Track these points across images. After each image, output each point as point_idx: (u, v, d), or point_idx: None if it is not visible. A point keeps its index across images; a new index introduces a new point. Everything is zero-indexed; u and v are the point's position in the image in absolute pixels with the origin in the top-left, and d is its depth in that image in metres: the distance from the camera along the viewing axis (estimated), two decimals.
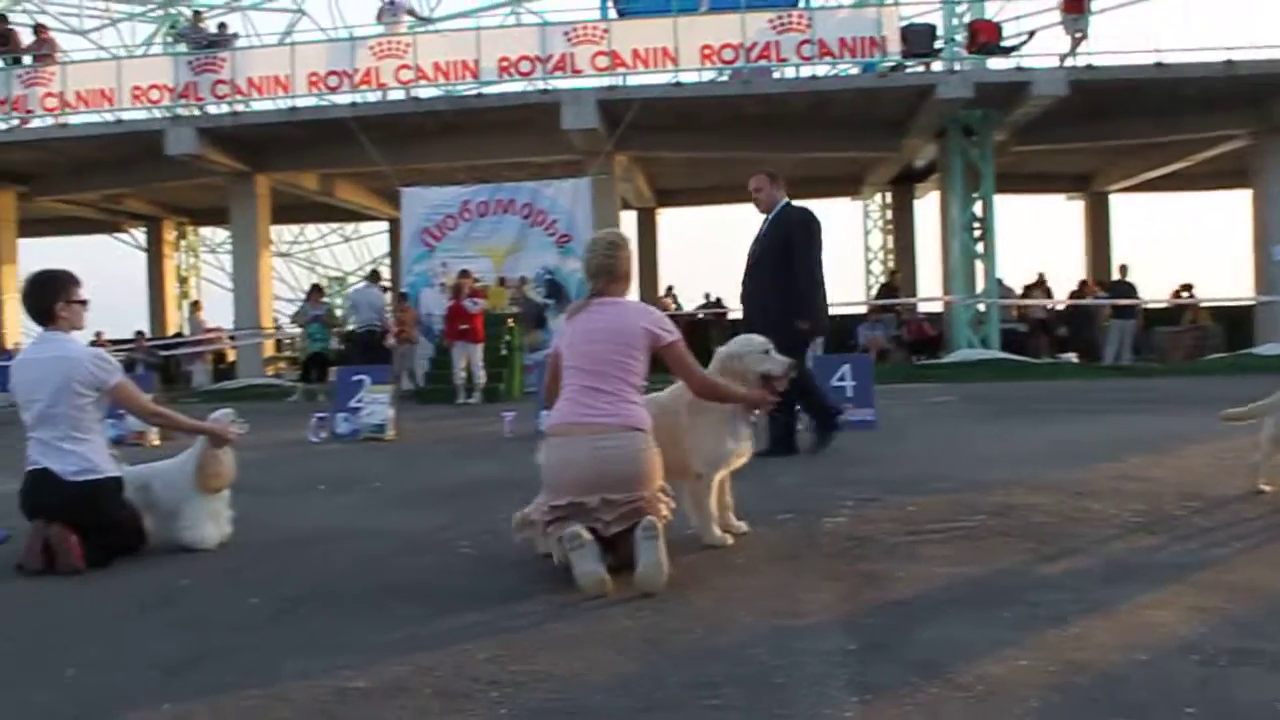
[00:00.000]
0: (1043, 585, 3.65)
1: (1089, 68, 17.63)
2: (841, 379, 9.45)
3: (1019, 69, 17.82)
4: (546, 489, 4.02)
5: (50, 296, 4.72)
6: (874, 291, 26.35)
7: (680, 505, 4.31)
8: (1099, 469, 6.30)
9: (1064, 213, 28.12)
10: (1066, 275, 24.45)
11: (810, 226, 7.36)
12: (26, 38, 21.46)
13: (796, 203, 7.61)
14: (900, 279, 25.34)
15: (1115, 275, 20.77)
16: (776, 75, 18.44)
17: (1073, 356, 19.75)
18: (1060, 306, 21.64)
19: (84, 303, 4.82)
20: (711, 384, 4.35)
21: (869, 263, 28.77)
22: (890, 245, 27.53)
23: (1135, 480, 5.81)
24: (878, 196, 27.78)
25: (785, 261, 7.21)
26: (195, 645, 3.27)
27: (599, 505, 3.85)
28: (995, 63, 18.24)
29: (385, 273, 26.49)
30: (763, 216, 7.54)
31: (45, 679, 2.99)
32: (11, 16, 21.87)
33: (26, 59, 20.78)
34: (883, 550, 4.28)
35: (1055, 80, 17.14)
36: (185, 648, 3.24)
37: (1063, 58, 17.98)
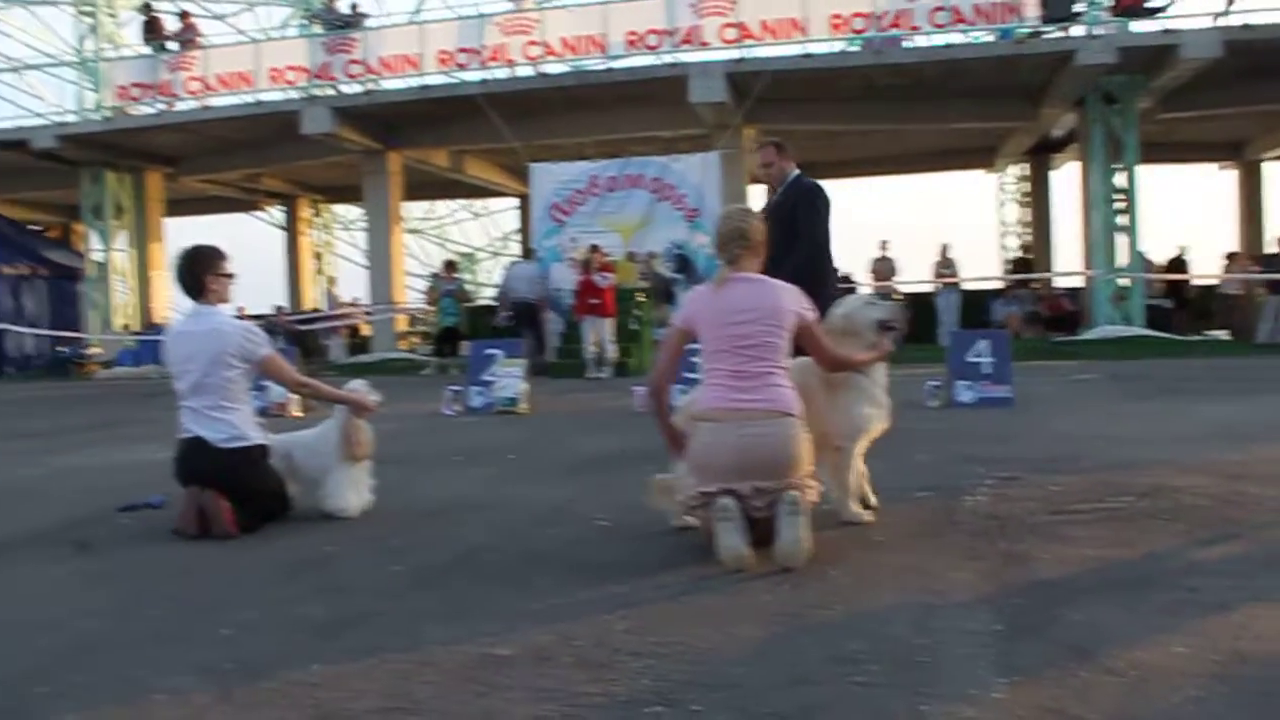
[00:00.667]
0: (1199, 570, 3.50)
1: (1245, 27, 16.67)
2: (978, 355, 9.21)
3: (1166, 31, 16.94)
4: (695, 473, 3.96)
5: (200, 270, 4.91)
6: (1008, 266, 25.64)
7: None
8: (1255, 451, 6.02)
9: (1214, 183, 26.87)
10: (1215, 249, 23.32)
11: (817, 197, 7.09)
12: (172, 25, 22.29)
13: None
14: (1034, 253, 24.58)
15: (1271, 248, 19.75)
16: (908, 44, 17.98)
17: (1223, 334, 18.90)
18: (1209, 281, 20.73)
19: (231, 276, 5.01)
20: (841, 357, 4.27)
21: (1003, 237, 27.96)
22: (1026, 218, 26.70)
23: None
24: (1013, 168, 26.94)
25: (794, 234, 6.99)
26: (342, 609, 3.36)
27: (751, 493, 3.80)
28: (1140, 25, 17.41)
29: (515, 248, 26.80)
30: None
31: (204, 637, 3.11)
32: (156, 4, 22.69)
33: (172, 45, 21.59)
34: (1026, 530, 4.17)
35: (1207, 41, 16.25)
36: (333, 611, 3.34)
37: (1215, 17, 17.05)
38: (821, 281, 6.84)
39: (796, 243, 6.90)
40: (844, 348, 4.35)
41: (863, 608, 3.20)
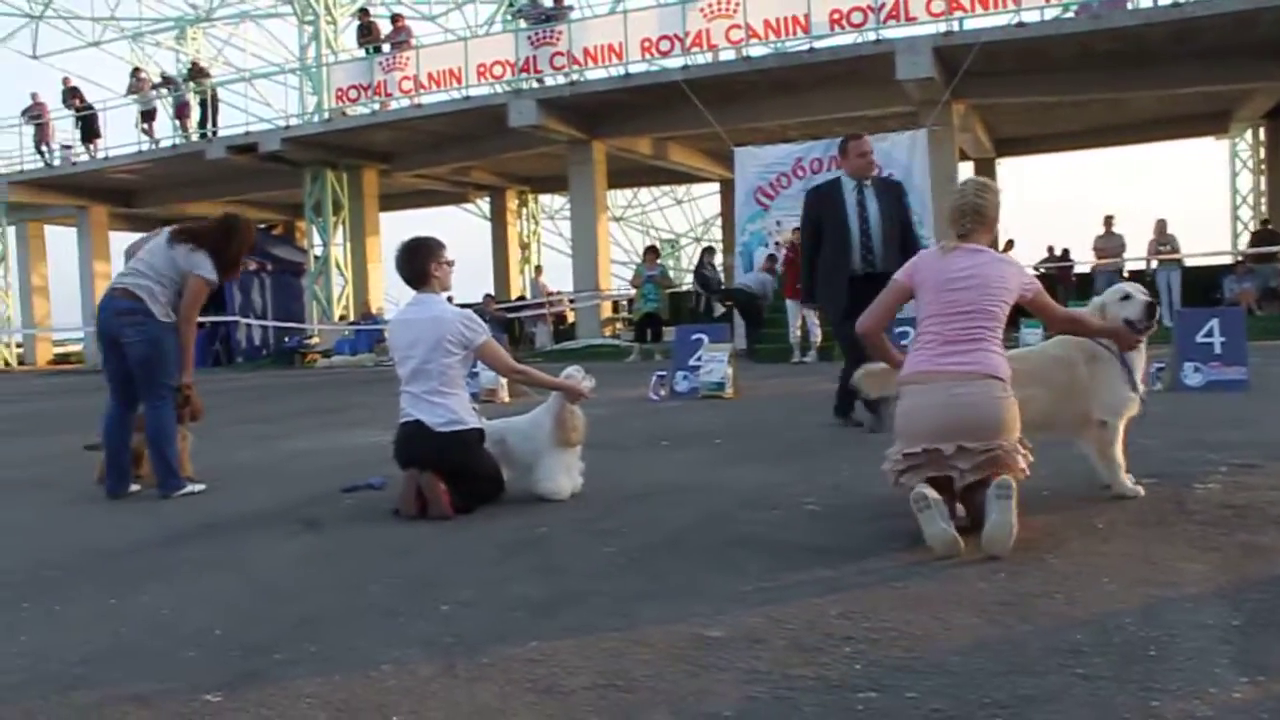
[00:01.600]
0: None
1: None
2: (1209, 335, 8.67)
3: None
4: (901, 437, 3.95)
5: (424, 259, 5.14)
6: (1243, 240, 23.98)
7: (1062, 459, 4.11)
8: None
9: None
10: None
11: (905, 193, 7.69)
12: (385, 28, 23.32)
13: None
14: (1276, 225, 22.94)
15: None
16: (1131, 6, 17.01)
17: None
18: None
19: (451, 263, 5.24)
20: (1070, 316, 4.29)
21: (1236, 208, 26.18)
22: (1263, 187, 24.90)
23: None
24: (1249, 133, 25.16)
25: (901, 232, 7.32)
26: (556, 589, 3.46)
27: (955, 453, 3.75)
28: None
29: (716, 233, 26.86)
30: (853, 180, 7.35)
31: (424, 612, 3.26)
32: (371, 9, 23.79)
33: (385, 47, 22.60)
34: (1267, 520, 3.90)
35: None
36: (547, 590, 3.44)
37: None
38: None
39: (910, 246, 7.10)
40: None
41: (1086, 597, 3.07)
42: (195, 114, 24.54)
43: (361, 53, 23.16)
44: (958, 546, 3.54)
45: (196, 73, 25.17)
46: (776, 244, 17.80)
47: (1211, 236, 27.62)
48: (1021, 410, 4.08)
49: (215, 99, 24.69)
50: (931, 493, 3.64)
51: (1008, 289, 3.96)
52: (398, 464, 5.00)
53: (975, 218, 4.08)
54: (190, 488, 5.75)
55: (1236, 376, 8.46)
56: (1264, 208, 24.44)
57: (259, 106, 26.73)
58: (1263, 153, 24.74)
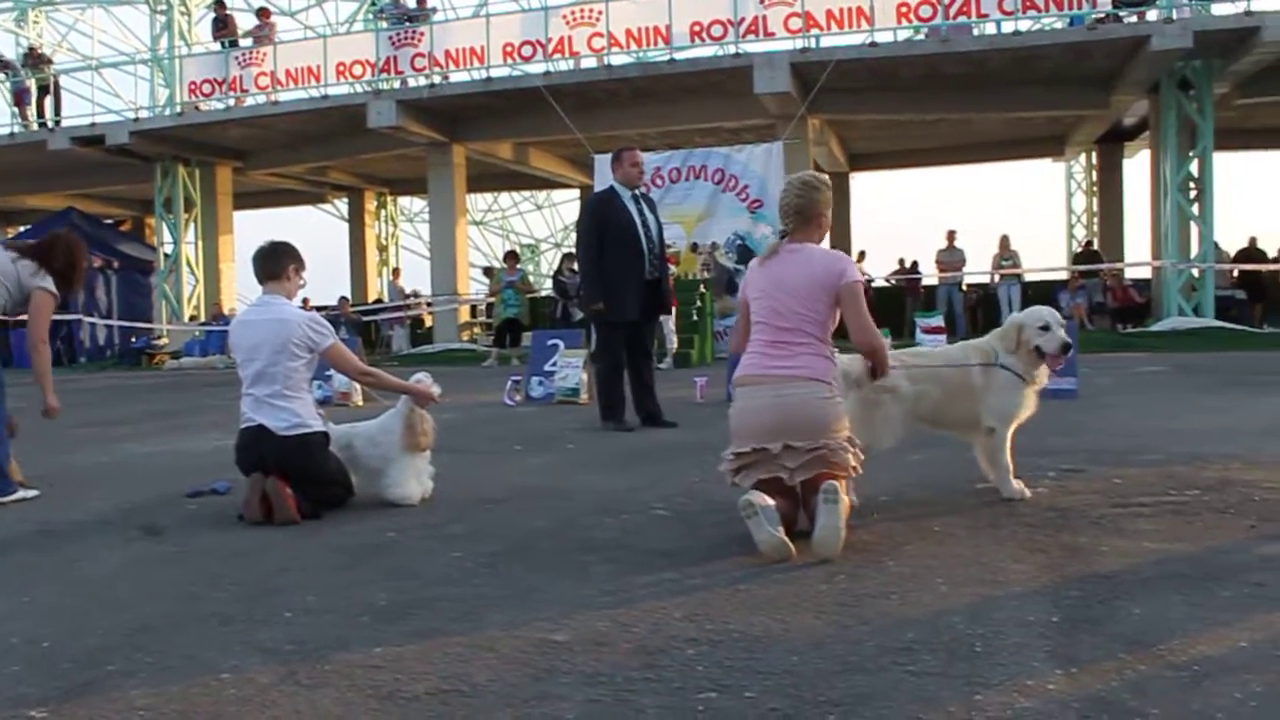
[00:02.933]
0: (1266, 566, 3.43)
1: None
2: None
3: (1247, 13, 16.42)
4: (733, 437, 4.05)
5: (285, 262, 5.10)
6: (1074, 257, 25.21)
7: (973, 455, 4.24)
8: None
9: None
10: None
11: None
12: (242, 21, 22.69)
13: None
14: (1104, 243, 24.17)
15: None
16: (977, 32, 17.73)
17: None
18: None
19: (304, 281, 5.23)
20: (871, 339, 4.13)
21: (1071, 227, 27.50)
22: (1095, 208, 26.23)
23: None
24: (1083, 157, 26.47)
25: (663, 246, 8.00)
26: (403, 594, 3.42)
27: (781, 451, 3.85)
28: (1219, 8, 16.95)
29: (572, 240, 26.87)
30: (627, 191, 7.76)
31: (266, 619, 3.19)
32: (228, 1, 23.11)
33: (243, 41, 21.97)
34: (1088, 522, 4.12)
35: None
36: (393, 596, 3.40)
37: None
38: None
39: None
40: (999, 343, 4.59)
41: (919, 598, 3.19)
42: (36, 101, 23.39)
43: (216, 46, 22.46)
44: (786, 550, 3.61)
45: (35, 59, 23.99)
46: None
47: (1050, 254, 28.87)
48: (914, 406, 4.23)
49: (58, 87, 23.58)
50: (759, 499, 3.70)
51: (824, 289, 4.02)
52: (240, 470, 4.88)
53: (798, 217, 4.17)
54: (21, 493, 5.50)
55: (1068, 386, 8.87)
56: (1096, 227, 25.75)
57: (106, 97, 25.62)
58: (1095, 175, 26.09)
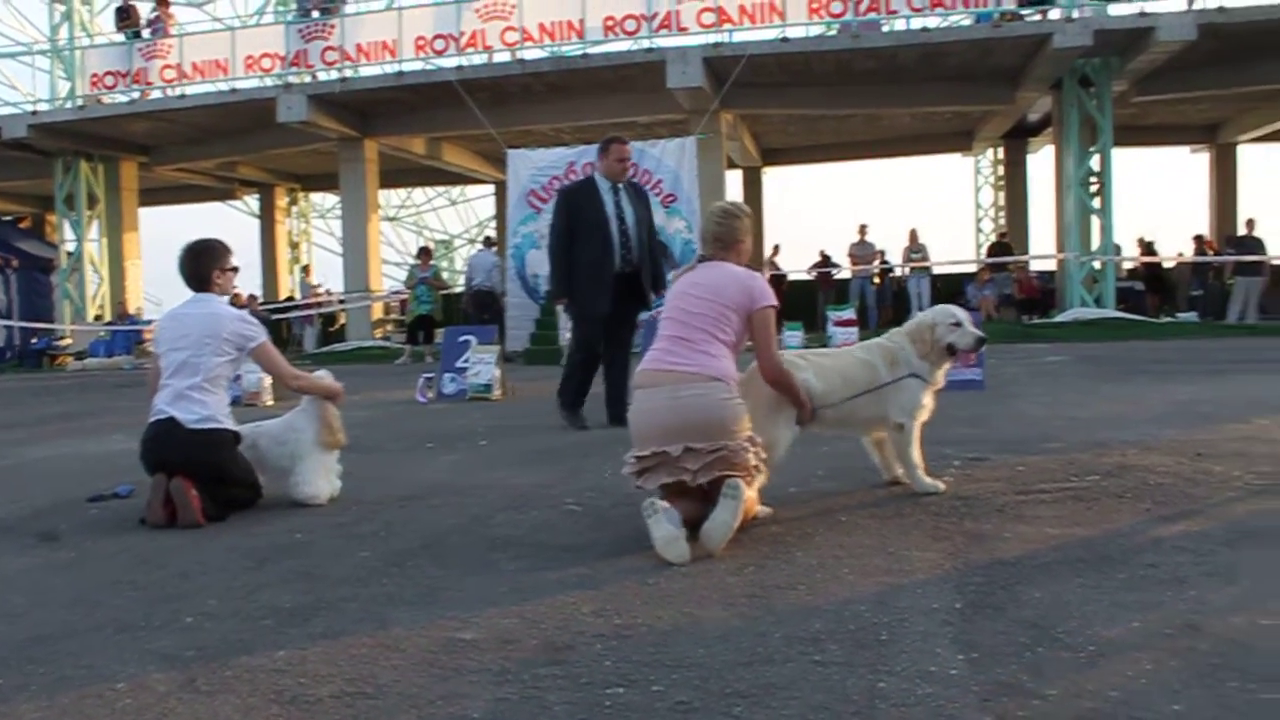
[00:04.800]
0: (1159, 548, 3.54)
1: (1220, 9, 16.71)
2: None
3: (1142, 14, 16.96)
4: (633, 440, 4.05)
5: (208, 264, 4.98)
6: (984, 250, 25.75)
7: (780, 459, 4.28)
8: (1222, 430, 6.08)
9: (1188, 165, 27.02)
10: (1187, 232, 23.44)
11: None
12: (146, 12, 22.08)
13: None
14: (1010, 236, 24.74)
15: (1241, 230, 19.91)
16: (886, 28, 17.99)
17: (1193, 315, 19.05)
18: (1176, 264, 20.92)
19: (236, 270, 5.12)
20: (777, 371, 4.19)
21: (979, 220, 28.09)
22: (1001, 202, 26.82)
23: (1261, 442, 5.59)
24: (989, 152, 27.04)
25: (650, 235, 7.61)
26: (308, 596, 3.37)
27: (682, 454, 3.85)
28: (1117, 8, 17.41)
29: (492, 235, 26.73)
30: (607, 183, 7.56)
31: (166, 625, 3.11)
32: None
33: (146, 33, 21.41)
34: (991, 510, 4.21)
35: (1182, 25, 16.32)
36: (299, 598, 3.35)
37: (1191, 0, 17.14)
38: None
39: (654, 238, 7.66)
40: (907, 343, 4.61)
41: (826, 588, 3.22)
42: None
43: (120, 37, 21.83)
44: (682, 549, 3.59)
45: None
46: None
47: (958, 247, 29.49)
48: (823, 406, 4.27)
49: None
50: (658, 502, 3.71)
51: (735, 298, 4.07)
52: (144, 467, 4.75)
53: (717, 244, 4.26)
54: None
55: (974, 377, 9.04)
56: (1002, 221, 26.32)
57: (3, 89, 24.87)
58: (1001, 170, 26.67)
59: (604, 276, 7.31)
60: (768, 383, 4.22)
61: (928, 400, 4.60)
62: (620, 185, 7.50)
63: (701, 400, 3.88)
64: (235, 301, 18.23)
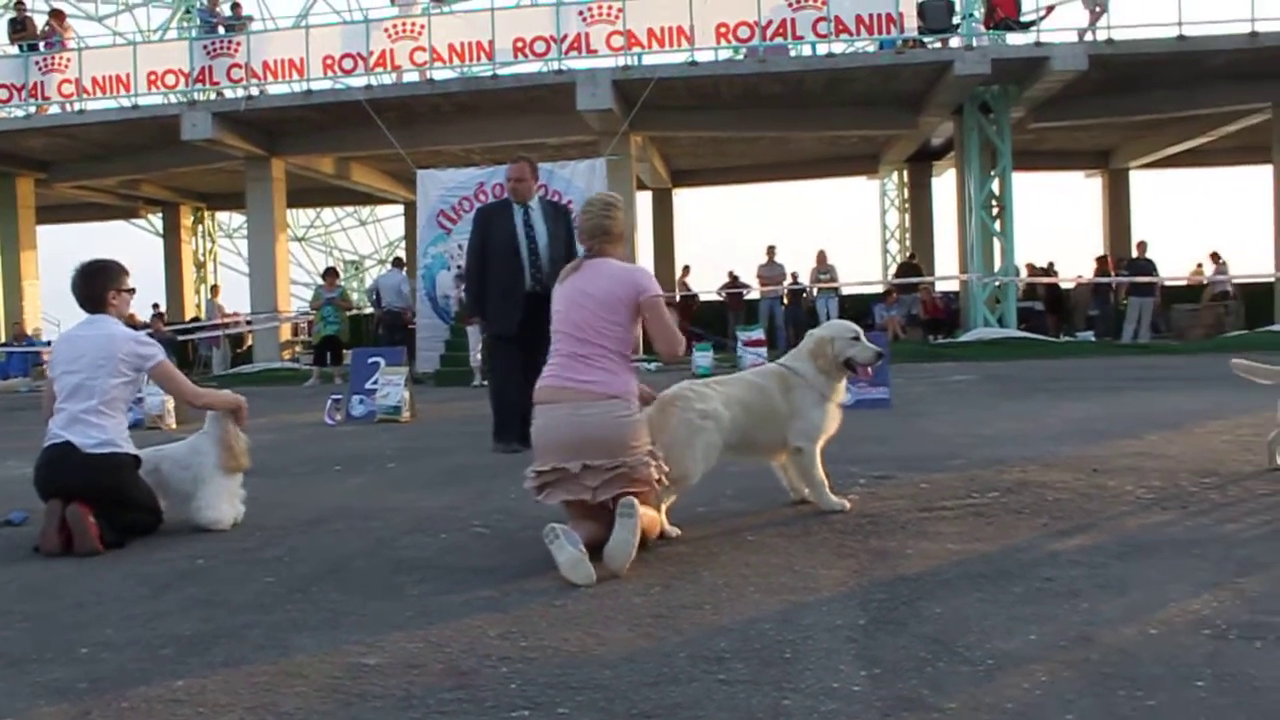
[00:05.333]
0: (1055, 561, 3.64)
1: (1109, 42, 17.40)
2: None
3: (1038, 44, 17.60)
4: (535, 454, 4.06)
5: (102, 285, 4.85)
6: (891, 271, 26.26)
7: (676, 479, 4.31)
8: (1116, 446, 6.27)
9: (1082, 190, 27.93)
10: (1084, 253, 24.25)
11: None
12: (41, 24, 21.49)
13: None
14: (915, 258, 25.29)
15: (1134, 252, 20.61)
16: (793, 53, 18.30)
17: (1090, 335, 19.64)
18: (1076, 285, 21.56)
19: (132, 291, 4.99)
20: (674, 345, 4.19)
21: (885, 241, 28.64)
22: (907, 224, 27.39)
23: (1152, 457, 5.79)
24: (895, 175, 27.62)
25: (568, 254, 7.13)
26: (210, 624, 3.29)
27: (581, 471, 3.87)
28: (1014, 38, 18.01)
29: (402, 255, 26.50)
30: (515, 204, 7.47)
31: (60, 657, 3.02)
32: (29, 2, 21.91)
33: (42, 45, 20.83)
34: (895, 527, 4.28)
35: (1074, 55, 16.93)
36: (200, 626, 3.27)
37: (1081, 33, 17.77)
38: None
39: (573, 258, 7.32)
40: (808, 360, 4.62)
41: (732, 607, 3.25)
42: None
43: (14, 49, 21.20)
44: (586, 570, 3.58)
45: None
46: (459, 267, 17.78)
47: (865, 267, 30.01)
48: (724, 432, 4.29)
49: None
50: (560, 525, 3.70)
51: (623, 302, 4.08)
52: (38, 493, 4.60)
53: (604, 236, 4.24)
54: None
55: (881, 396, 9.21)
56: (908, 242, 26.87)
57: None
58: (906, 193, 27.27)
59: (514, 296, 7.24)
60: (668, 357, 4.28)
61: (832, 416, 4.65)
62: (530, 205, 7.44)
63: (600, 419, 3.90)
64: (132, 323, 17.81)
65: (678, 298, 23.01)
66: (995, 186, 18.92)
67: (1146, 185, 35.57)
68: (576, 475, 3.87)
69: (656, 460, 4.01)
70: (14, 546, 4.63)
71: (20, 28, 21.21)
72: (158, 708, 2.58)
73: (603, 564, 3.66)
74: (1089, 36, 17.67)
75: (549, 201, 7.73)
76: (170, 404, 10.23)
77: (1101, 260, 21.88)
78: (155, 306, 25.79)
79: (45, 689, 2.74)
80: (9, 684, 2.80)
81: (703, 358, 14.86)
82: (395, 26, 18.71)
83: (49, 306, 23.09)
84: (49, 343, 20.04)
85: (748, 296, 22.25)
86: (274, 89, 19.59)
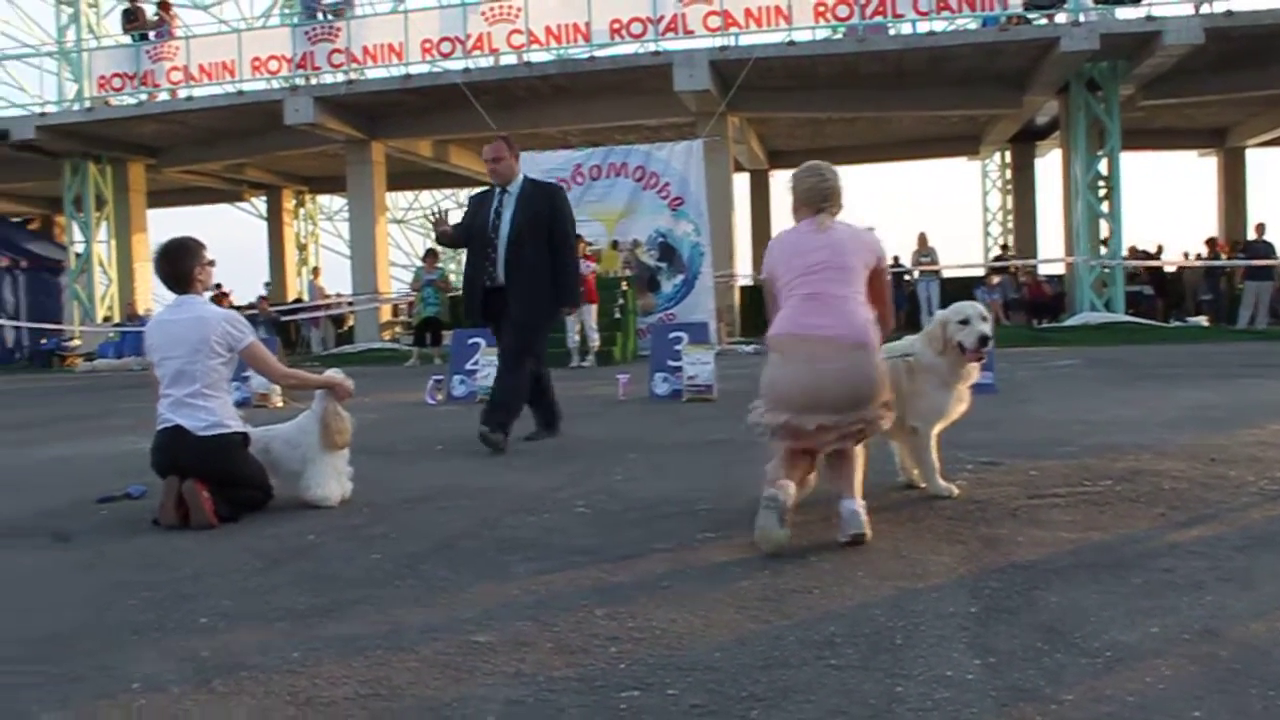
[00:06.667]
0: (1175, 552, 3.52)
1: (1227, 13, 16.72)
2: None
3: (1149, 18, 16.99)
4: (767, 400, 4.01)
5: (187, 262, 4.94)
6: (992, 254, 25.74)
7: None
8: (1235, 435, 6.05)
9: (1195, 170, 27.03)
10: (1196, 235, 23.48)
11: (566, 203, 7.12)
12: (151, 14, 22.13)
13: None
14: (1018, 240, 24.72)
15: (1251, 234, 19.87)
16: (893, 32, 17.99)
17: (1202, 320, 19.01)
18: (1179, 268, 20.89)
19: (213, 263, 5.08)
20: (891, 321, 4.26)
21: (987, 224, 28.06)
22: (1009, 206, 26.79)
23: (1274, 447, 5.57)
24: (997, 155, 27.03)
25: (549, 238, 6.79)
26: (321, 598, 3.35)
27: (815, 430, 3.86)
28: (1123, 12, 17.43)
29: None
30: (496, 186, 6.97)
31: (180, 626, 3.10)
32: None
33: (152, 35, 21.45)
34: (1004, 514, 4.19)
35: (1189, 28, 16.33)
36: (312, 600, 3.33)
37: (1197, 4, 17.10)
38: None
39: (556, 251, 6.81)
40: (925, 343, 4.57)
41: (841, 591, 3.21)
42: None
43: (126, 39, 21.88)
44: (777, 546, 3.62)
45: None
46: None
47: (966, 250, 29.48)
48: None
49: None
50: (783, 495, 3.68)
51: (861, 253, 4.07)
52: (156, 473, 4.75)
53: (836, 198, 4.22)
54: None
55: (986, 381, 9.00)
56: (1010, 224, 26.29)
57: (11, 91, 24.89)
58: (1008, 174, 26.65)
59: (475, 289, 6.90)
60: (888, 329, 4.26)
61: (950, 402, 4.57)
62: (508, 189, 6.87)
63: (843, 373, 3.86)
64: (219, 299, 18.25)
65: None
66: (1103, 167, 18.39)
67: (1265, 164, 34.34)
68: (810, 432, 3.87)
69: (890, 411, 4.05)
70: (135, 519, 4.78)
71: (132, 18, 21.87)
72: (275, 678, 2.63)
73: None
74: (1205, 8, 17.00)
75: (534, 182, 7.09)
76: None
77: (1211, 243, 21.15)
78: (266, 285, 26.49)
79: (169, 656, 2.82)
80: (135, 651, 2.88)
81: None
82: (492, 9, 18.85)
83: (159, 288, 23.81)
84: None
85: None
86: (373, 73, 19.93)
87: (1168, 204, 46.96)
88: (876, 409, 3.96)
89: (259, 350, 5.02)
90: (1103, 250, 18.40)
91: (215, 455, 4.68)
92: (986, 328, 4.53)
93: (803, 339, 3.94)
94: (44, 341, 22.91)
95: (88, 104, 21.36)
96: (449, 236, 7.23)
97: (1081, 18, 17.11)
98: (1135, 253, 21.28)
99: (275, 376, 5.38)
